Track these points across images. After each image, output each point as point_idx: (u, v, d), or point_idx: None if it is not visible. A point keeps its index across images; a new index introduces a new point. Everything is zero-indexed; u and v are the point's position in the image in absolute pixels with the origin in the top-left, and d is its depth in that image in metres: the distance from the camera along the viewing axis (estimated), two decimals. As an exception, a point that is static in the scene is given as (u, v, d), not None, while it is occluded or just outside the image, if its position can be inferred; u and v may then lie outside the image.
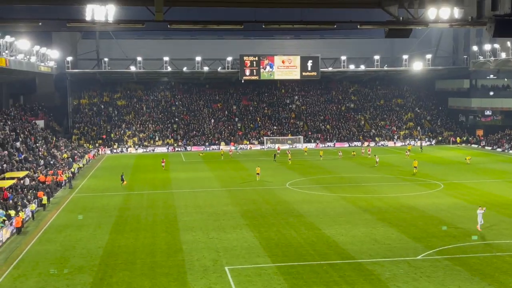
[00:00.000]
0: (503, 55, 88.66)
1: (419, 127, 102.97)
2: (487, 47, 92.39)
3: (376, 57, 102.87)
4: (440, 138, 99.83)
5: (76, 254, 34.09)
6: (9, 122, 75.99)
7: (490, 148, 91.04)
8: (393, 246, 34.35)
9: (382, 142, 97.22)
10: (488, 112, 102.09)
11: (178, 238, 36.93)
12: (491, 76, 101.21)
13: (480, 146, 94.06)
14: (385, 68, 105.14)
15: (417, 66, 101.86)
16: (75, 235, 38.58)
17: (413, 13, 22.47)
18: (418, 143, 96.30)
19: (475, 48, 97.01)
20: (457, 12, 22.06)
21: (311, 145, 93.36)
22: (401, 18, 22.30)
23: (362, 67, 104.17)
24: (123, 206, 48.12)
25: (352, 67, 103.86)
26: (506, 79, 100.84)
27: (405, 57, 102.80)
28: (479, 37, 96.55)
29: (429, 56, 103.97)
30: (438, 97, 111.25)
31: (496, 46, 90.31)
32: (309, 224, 40.09)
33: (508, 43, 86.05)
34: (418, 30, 79.07)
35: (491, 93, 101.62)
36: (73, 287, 28.31)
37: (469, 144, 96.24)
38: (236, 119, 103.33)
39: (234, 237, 36.85)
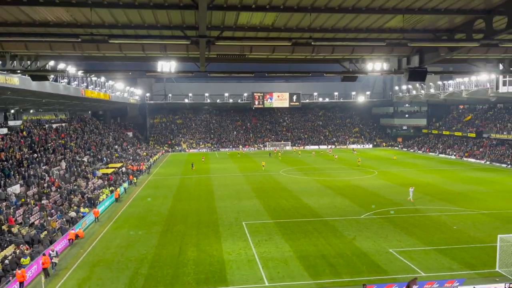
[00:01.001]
0: (414, 92, 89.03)
1: (362, 136, 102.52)
2: (404, 87, 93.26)
3: (336, 93, 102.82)
4: (375, 143, 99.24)
5: (152, 214, 34.23)
6: (111, 133, 76.43)
7: (406, 149, 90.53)
8: (346, 209, 34.25)
9: (339, 146, 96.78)
10: (405, 127, 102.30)
11: (214, 205, 36.99)
12: (407, 105, 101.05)
13: (399, 148, 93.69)
14: (341, 100, 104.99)
15: (361, 98, 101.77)
16: (151, 202, 38.73)
17: (358, 66, 22.47)
18: (360, 146, 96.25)
19: (396, 87, 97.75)
20: (385, 66, 22.06)
21: (295, 148, 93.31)
22: (350, 69, 22.27)
23: (327, 99, 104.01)
24: (180, 184, 48.25)
25: (320, 99, 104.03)
26: (415, 107, 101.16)
27: (353, 93, 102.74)
28: (399, 81, 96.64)
29: (368, 92, 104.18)
30: (374, 118, 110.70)
31: (410, 86, 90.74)
32: (294, 196, 40.03)
33: (417, 85, 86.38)
34: (361, 77, 79.65)
35: (407, 115, 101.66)
36: (150, 233, 28.45)
37: (393, 147, 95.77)
38: (249, 131, 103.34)
39: (247, 204, 36.87)
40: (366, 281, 19.08)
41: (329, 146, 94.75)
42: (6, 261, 21.95)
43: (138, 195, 42.81)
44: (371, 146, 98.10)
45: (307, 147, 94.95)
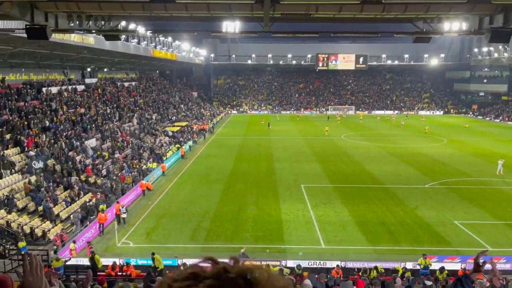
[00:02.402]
0: (495, 55, 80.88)
1: (432, 102, 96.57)
2: (484, 49, 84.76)
3: (406, 55, 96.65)
4: (446, 110, 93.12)
5: (214, 172, 35.49)
6: (177, 93, 79.07)
7: (481, 117, 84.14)
8: (409, 178, 33.08)
9: (406, 112, 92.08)
10: (481, 94, 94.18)
11: (273, 166, 37.44)
12: (486, 69, 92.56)
13: (473, 116, 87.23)
14: (411, 63, 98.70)
15: (434, 61, 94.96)
16: (214, 161, 40.08)
17: (433, 26, 20.79)
18: (429, 112, 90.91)
19: (475, 49, 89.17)
20: (464, 25, 20.18)
21: (359, 112, 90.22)
22: (424, 29, 20.69)
23: (396, 62, 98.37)
24: (241, 145, 49.20)
25: (389, 62, 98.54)
26: (496, 71, 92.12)
27: (425, 55, 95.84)
28: (478, 42, 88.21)
29: (442, 55, 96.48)
30: (447, 83, 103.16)
31: (491, 49, 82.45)
32: (355, 161, 39.28)
33: (499, 47, 78.21)
34: (435, 38, 73.79)
35: (485, 80, 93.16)
36: (212, 190, 29.65)
37: (466, 115, 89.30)
38: (312, 94, 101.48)
39: (307, 167, 36.87)
40: (427, 251, 18.58)
41: (395, 112, 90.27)
42: (87, 205, 24.23)
43: (202, 153, 44.44)
44: (441, 113, 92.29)
45: (372, 112, 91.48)
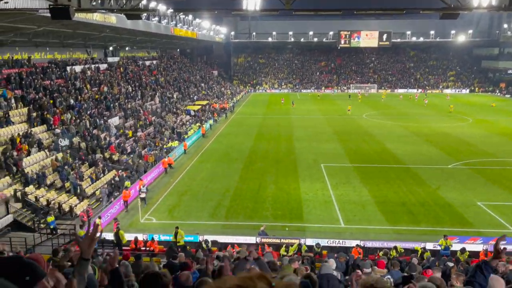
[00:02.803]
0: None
1: (458, 80, 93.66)
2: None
3: (432, 31, 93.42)
4: (472, 88, 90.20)
5: (234, 151, 35.73)
6: (198, 72, 79.14)
7: (509, 96, 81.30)
8: (432, 158, 32.53)
9: (430, 90, 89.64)
10: (510, 71, 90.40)
11: (293, 145, 37.38)
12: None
13: (501, 94, 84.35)
14: (437, 39, 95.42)
15: (461, 38, 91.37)
16: (234, 140, 40.30)
17: (461, 1, 20.01)
18: (455, 91, 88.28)
19: (505, 25, 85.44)
20: (494, 0, 19.34)
21: (381, 90, 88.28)
22: (452, 5, 19.94)
23: (421, 39, 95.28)
24: (261, 124, 49.16)
25: (414, 38, 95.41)
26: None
27: (452, 32, 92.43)
28: (508, 18, 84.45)
29: (470, 31, 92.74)
30: (474, 60, 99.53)
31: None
32: (377, 141, 38.80)
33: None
34: (463, 14, 70.89)
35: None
36: (232, 169, 29.91)
37: (493, 93, 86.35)
38: (333, 72, 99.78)
39: (327, 146, 36.67)
40: (448, 232, 18.42)
41: (419, 90, 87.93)
42: (112, 182, 24.91)
43: (222, 132, 44.68)
44: (467, 91, 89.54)
45: (395, 91, 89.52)
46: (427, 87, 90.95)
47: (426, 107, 63.02)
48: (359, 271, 3.40)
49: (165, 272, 3.26)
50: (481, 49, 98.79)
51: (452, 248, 17.13)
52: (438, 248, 17.44)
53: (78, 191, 23.40)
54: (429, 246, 17.66)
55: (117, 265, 4.15)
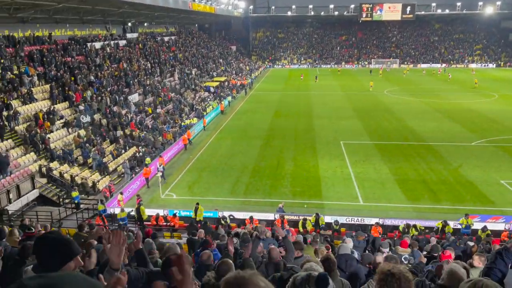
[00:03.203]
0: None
1: (485, 54, 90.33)
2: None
3: (458, 3, 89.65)
4: (499, 63, 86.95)
5: (252, 127, 35.72)
6: (216, 47, 78.54)
7: (538, 71, 78.16)
8: (454, 135, 31.80)
9: (455, 65, 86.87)
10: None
11: (311, 122, 37.09)
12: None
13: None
14: (464, 11, 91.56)
15: (489, 10, 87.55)
16: (252, 117, 40.22)
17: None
18: (481, 65, 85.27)
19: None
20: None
21: (404, 65, 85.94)
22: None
23: (447, 11, 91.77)
24: (280, 100, 48.80)
25: (439, 10, 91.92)
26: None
27: (480, 3, 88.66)
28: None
29: (498, 2, 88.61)
30: (502, 33, 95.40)
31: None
32: (397, 118, 38.10)
33: None
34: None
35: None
36: (251, 146, 30.00)
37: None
38: (354, 46, 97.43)
39: (347, 123, 36.25)
40: (469, 210, 18.15)
41: (443, 65, 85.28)
42: (134, 157, 25.35)
43: (241, 109, 44.59)
44: (493, 66, 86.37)
45: (418, 66, 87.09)
46: (451, 62, 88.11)
47: (450, 82, 61.22)
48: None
49: (186, 255, 3.30)
50: (509, 21, 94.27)
51: (473, 227, 16.93)
52: (459, 227, 17.27)
53: (101, 167, 23.92)
54: (450, 224, 17.47)
55: (141, 245, 4.30)
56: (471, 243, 11.84)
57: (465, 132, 32.46)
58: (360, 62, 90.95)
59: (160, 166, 23.84)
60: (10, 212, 17.91)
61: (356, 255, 6.85)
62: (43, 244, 2.38)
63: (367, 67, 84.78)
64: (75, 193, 20.19)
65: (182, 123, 34.76)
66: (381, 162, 25.71)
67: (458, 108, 42.06)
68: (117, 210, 18.49)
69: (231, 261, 3.89)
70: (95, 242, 5.82)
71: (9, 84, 25.42)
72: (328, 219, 17.86)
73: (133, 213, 18.72)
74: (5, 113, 23.03)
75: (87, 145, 25.25)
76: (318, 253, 6.89)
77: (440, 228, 16.80)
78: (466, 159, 25.99)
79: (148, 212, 18.52)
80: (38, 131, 23.49)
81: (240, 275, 1.54)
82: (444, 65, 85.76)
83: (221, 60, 71.55)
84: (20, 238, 7.82)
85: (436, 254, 7.44)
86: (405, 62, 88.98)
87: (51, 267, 2.27)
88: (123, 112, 31.89)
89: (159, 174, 23.22)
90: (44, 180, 21.17)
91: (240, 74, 67.89)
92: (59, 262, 2.31)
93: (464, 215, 17.12)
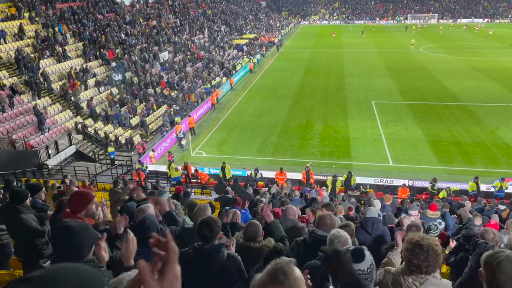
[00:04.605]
0: None
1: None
2: None
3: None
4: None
5: (282, 86, 35.26)
6: (246, 3, 76.51)
7: None
8: (493, 95, 30.34)
9: (498, 20, 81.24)
10: None
11: (343, 81, 36.20)
12: None
13: None
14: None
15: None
16: (282, 75, 39.61)
17: None
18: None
19: None
20: None
21: (442, 21, 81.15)
22: None
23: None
24: (310, 58, 47.65)
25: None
26: None
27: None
28: None
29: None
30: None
31: None
32: (433, 77, 36.53)
33: None
34: None
35: None
36: (280, 105, 29.76)
37: None
38: (389, 1, 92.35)
39: (379, 82, 35.17)
40: (505, 174, 17.60)
41: (484, 20, 79.87)
42: (165, 115, 25.78)
43: (270, 67, 43.91)
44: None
45: (458, 21, 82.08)
46: (496, 16, 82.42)
47: (491, 39, 57.63)
48: (400, 232, 3.32)
49: (216, 219, 3.39)
50: None
51: (507, 191, 16.45)
52: (492, 190, 16.83)
53: (133, 124, 24.47)
54: (483, 188, 17.05)
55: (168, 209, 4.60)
56: (502, 207, 11.55)
57: (505, 92, 30.88)
58: (395, 18, 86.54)
59: (180, 132, 22.98)
60: (50, 166, 18.80)
61: (382, 217, 6.85)
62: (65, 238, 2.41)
63: (403, 23, 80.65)
64: (111, 149, 20.88)
65: (213, 82, 34.63)
66: (413, 123, 25.01)
67: (499, 66, 39.79)
68: (171, 170, 18.35)
69: (258, 222, 3.95)
70: (127, 197, 6.06)
71: (43, 42, 25.91)
72: (358, 180, 17.76)
73: (164, 169, 19.21)
74: (40, 71, 23.64)
75: (121, 101, 25.76)
76: (337, 214, 6.93)
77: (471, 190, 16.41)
78: (504, 120, 24.89)
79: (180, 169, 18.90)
80: (70, 90, 24.06)
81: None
82: (486, 20, 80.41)
83: (250, 17, 69.86)
84: (55, 192, 8.36)
85: (470, 223, 7.26)
86: (444, 17, 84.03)
87: (73, 258, 2.31)
88: (154, 70, 32.08)
89: (182, 140, 22.87)
90: (80, 137, 21.95)
91: (270, 31, 66.30)
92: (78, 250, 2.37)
93: (500, 178, 16.61)
